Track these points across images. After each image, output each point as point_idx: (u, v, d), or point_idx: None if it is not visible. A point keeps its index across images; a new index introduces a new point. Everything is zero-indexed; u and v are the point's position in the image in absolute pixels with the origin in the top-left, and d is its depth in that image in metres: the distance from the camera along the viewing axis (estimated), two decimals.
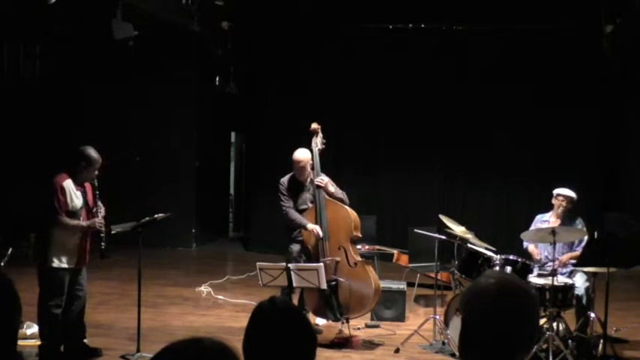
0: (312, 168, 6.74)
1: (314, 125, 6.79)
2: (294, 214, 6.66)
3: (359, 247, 8.15)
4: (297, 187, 6.78)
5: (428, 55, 11.33)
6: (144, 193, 11.39)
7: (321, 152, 6.73)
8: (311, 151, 6.71)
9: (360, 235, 6.67)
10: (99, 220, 5.73)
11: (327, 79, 11.45)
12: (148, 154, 11.81)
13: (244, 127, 13.37)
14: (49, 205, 5.59)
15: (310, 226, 6.52)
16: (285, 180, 6.82)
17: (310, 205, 6.73)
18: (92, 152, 5.76)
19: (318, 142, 6.72)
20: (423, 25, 11.28)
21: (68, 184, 5.66)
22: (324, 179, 6.61)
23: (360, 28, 11.35)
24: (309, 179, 6.78)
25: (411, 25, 11.30)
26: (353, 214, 6.58)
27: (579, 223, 6.63)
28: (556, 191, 6.70)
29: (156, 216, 6.13)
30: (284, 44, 11.76)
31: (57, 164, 6.00)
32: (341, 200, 6.68)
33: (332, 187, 6.63)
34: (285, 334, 1.93)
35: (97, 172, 5.78)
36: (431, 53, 11.30)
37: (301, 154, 6.73)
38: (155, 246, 9.67)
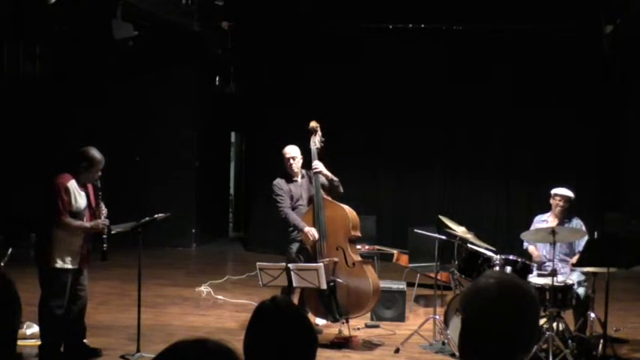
0: (304, 166, 6.74)
1: (312, 124, 6.75)
2: (292, 216, 6.62)
3: (359, 247, 8.14)
4: (290, 184, 6.76)
5: (428, 55, 11.32)
6: (144, 193, 11.39)
7: (320, 151, 6.70)
8: (309, 150, 6.70)
9: (359, 235, 6.65)
10: (102, 221, 5.72)
11: (327, 79, 11.44)
12: (148, 154, 11.82)
13: (244, 127, 13.37)
14: (52, 206, 5.56)
15: (307, 229, 6.49)
16: (278, 181, 6.78)
17: (306, 200, 6.71)
18: (95, 153, 5.73)
19: (316, 140, 6.69)
20: (423, 25, 11.28)
21: (72, 184, 5.64)
22: (318, 165, 6.60)
23: (360, 28, 11.35)
24: (300, 174, 6.78)
25: (411, 25, 11.30)
26: (351, 213, 6.56)
27: (577, 223, 6.63)
28: (553, 191, 6.71)
29: (156, 216, 6.13)
30: (284, 44, 11.76)
31: (59, 164, 5.98)
32: (337, 187, 6.67)
33: (327, 172, 6.63)
34: (286, 334, 1.93)
35: (100, 173, 5.76)
36: (431, 53, 11.30)
37: (293, 148, 6.76)
38: (155, 246, 9.67)
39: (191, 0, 10.43)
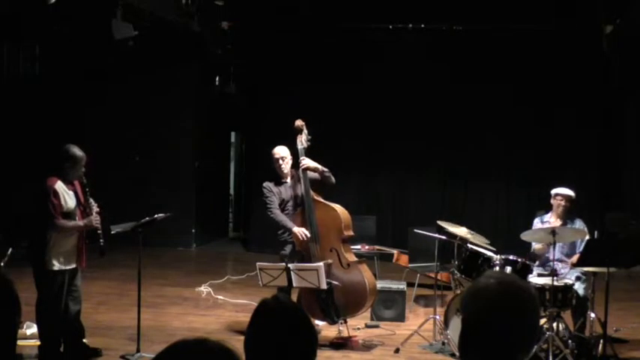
0: (293, 166, 6.70)
1: (298, 122, 6.64)
2: (280, 217, 6.58)
3: (358, 247, 8.14)
4: (279, 187, 6.70)
5: (428, 55, 11.33)
6: (144, 193, 11.39)
7: (307, 151, 6.60)
8: (296, 149, 6.62)
9: (351, 234, 6.60)
10: (94, 218, 5.71)
11: (327, 78, 11.44)
12: (148, 154, 11.82)
13: (244, 127, 13.37)
14: (44, 210, 5.54)
15: (295, 229, 6.45)
16: (267, 184, 6.71)
17: (295, 200, 6.66)
18: (76, 150, 5.72)
19: (303, 140, 6.60)
20: (423, 25, 11.28)
21: (60, 186, 5.63)
22: (306, 160, 6.51)
23: (360, 28, 11.35)
24: (289, 175, 6.72)
25: (411, 25, 11.30)
26: (343, 213, 6.50)
27: (580, 224, 6.62)
28: (554, 191, 6.69)
29: (156, 216, 6.12)
30: (284, 44, 11.76)
31: (44, 166, 5.97)
32: (328, 177, 6.58)
33: (316, 164, 6.55)
34: (287, 332, 1.94)
35: (84, 169, 5.76)
36: (431, 53, 11.30)
37: (283, 149, 6.69)
38: (155, 246, 9.67)
39: (191, 0, 10.42)
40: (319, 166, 6.57)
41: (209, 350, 1.53)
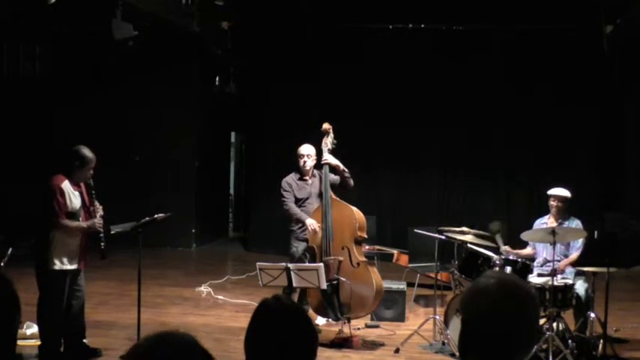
0: (317, 167, 6.79)
1: (325, 125, 6.82)
2: (294, 209, 6.76)
3: None
4: (299, 182, 6.84)
5: (428, 56, 11.32)
6: (144, 193, 11.40)
7: (331, 153, 6.75)
8: (321, 151, 6.75)
9: (365, 236, 6.71)
10: (98, 221, 5.72)
11: (327, 79, 11.44)
12: (148, 153, 11.82)
13: (244, 127, 13.37)
14: (48, 208, 5.55)
15: (308, 221, 6.57)
16: (286, 179, 6.90)
17: (315, 198, 6.77)
18: (86, 152, 5.73)
19: (328, 142, 6.76)
20: (423, 25, 11.28)
21: (66, 185, 5.63)
22: (328, 157, 6.68)
23: (360, 28, 11.35)
24: (311, 174, 6.85)
25: (411, 25, 11.30)
26: (359, 214, 6.60)
27: (576, 223, 6.63)
28: (549, 192, 6.72)
29: (156, 216, 6.12)
30: (284, 44, 11.76)
31: (51, 165, 5.97)
32: (348, 179, 6.76)
33: (338, 162, 6.71)
34: (287, 331, 1.94)
35: (92, 172, 5.76)
36: (431, 53, 11.30)
37: (308, 147, 6.85)
38: (155, 246, 9.67)
39: (191, 0, 10.41)
40: (340, 165, 6.74)
41: (171, 344, 1.54)
